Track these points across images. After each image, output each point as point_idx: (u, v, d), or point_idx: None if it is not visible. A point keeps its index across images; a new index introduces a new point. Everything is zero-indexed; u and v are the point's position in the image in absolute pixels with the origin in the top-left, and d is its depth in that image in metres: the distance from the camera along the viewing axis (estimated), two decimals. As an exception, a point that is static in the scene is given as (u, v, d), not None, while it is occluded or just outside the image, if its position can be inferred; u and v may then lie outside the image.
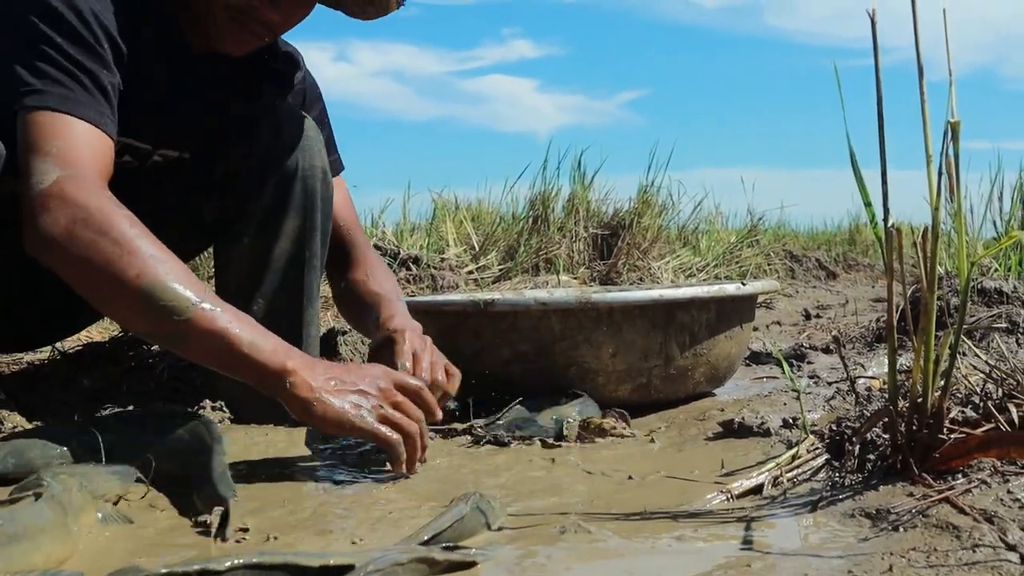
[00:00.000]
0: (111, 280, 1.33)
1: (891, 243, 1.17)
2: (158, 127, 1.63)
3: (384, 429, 1.36)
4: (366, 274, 1.89)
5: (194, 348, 1.36)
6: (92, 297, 1.41)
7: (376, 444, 1.38)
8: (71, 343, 2.37)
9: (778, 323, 3.67)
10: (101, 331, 2.52)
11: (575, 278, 4.19)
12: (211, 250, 1.96)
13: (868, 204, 1.17)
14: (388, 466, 1.41)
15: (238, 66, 1.71)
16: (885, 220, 1.16)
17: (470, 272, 4.13)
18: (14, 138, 1.43)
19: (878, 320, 2.99)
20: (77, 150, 1.41)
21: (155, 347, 2.21)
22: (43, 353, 2.26)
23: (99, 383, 1.91)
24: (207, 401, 1.77)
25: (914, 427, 1.22)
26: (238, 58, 1.68)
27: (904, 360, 1.81)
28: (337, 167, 1.95)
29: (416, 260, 4.05)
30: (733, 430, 1.66)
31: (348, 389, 1.36)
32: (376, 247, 4.08)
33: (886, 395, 1.57)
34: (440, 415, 1.48)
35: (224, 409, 1.75)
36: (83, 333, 2.44)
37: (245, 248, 1.78)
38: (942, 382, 1.20)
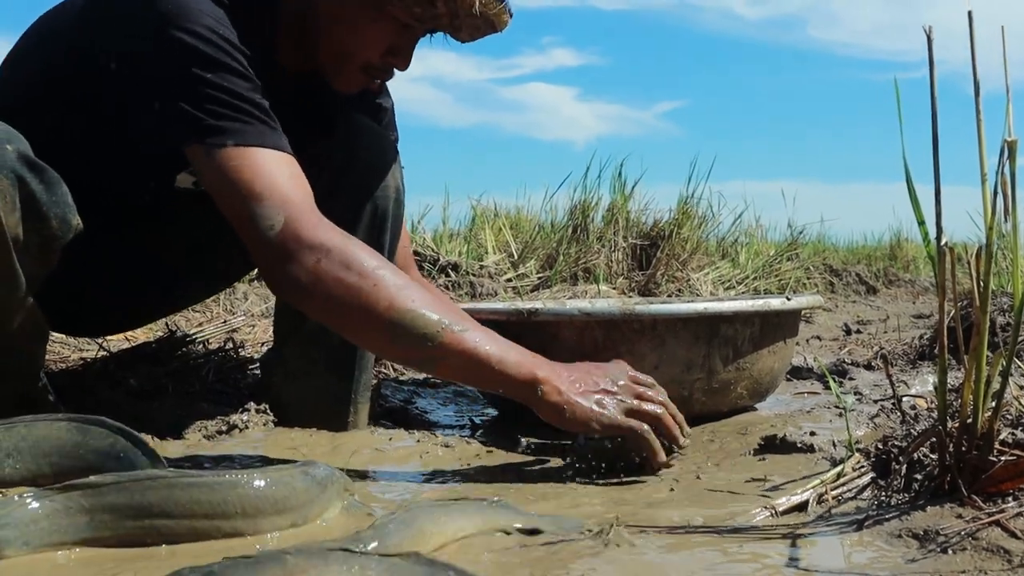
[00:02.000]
0: (363, 314, 1.40)
1: (943, 262, 1.16)
2: None
3: (632, 422, 1.42)
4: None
5: (447, 369, 1.45)
6: (344, 330, 1.48)
7: (626, 438, 1.43)
8: (117, 343, 2.41)
9: (818, 338, 3.64)
10: (147, 332, 2.55)
11: (614, 288, 4.19)
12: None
13: (922, 222, 1.16)
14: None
15: (325, 87, 1.71)
16: (938, 239, 1.15)
17: (509, 280, 4.14)
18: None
19: (921, 337, 2.96)
20: (284, 185, 1.44)
21: (200, 348, 2.24)
22: (90, 351, 2.29)
23: (146, 383, 1.94)
24: (251, 404, 1.78)
25: (963, 448, 1.20)
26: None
27: (950, 379, 1.79)
28: None
29: (455, 267, 4.07)
30: (776, 446, 1.64)
31: (592, 390, 1.43)
32: (416, 253, 4.11)
33: (933, 414, 1.56)
34: (683, 430, 1.49)
35: (268, 412, 1.77)
36: (129, 333, 2.48)
37: None
38: (993, 403, 1.19)
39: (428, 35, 1.65)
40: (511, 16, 1.61)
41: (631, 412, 1.44)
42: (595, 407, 1.41)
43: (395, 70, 1.67)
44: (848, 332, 3.83)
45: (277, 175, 1.44)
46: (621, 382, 1.48)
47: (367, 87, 1.70)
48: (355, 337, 1.50)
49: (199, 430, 1.69)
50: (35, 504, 1.04)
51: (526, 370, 1.41)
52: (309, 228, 1.42)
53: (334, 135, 1.78)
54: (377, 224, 1.78)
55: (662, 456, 1.43)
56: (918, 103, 1.20)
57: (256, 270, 3.44)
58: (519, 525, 1.15)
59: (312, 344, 1.75)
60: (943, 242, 1.16)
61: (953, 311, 1.28)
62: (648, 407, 1.45)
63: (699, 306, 1.86)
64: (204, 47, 1.45)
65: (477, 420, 1.96)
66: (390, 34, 1.60)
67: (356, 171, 1.77)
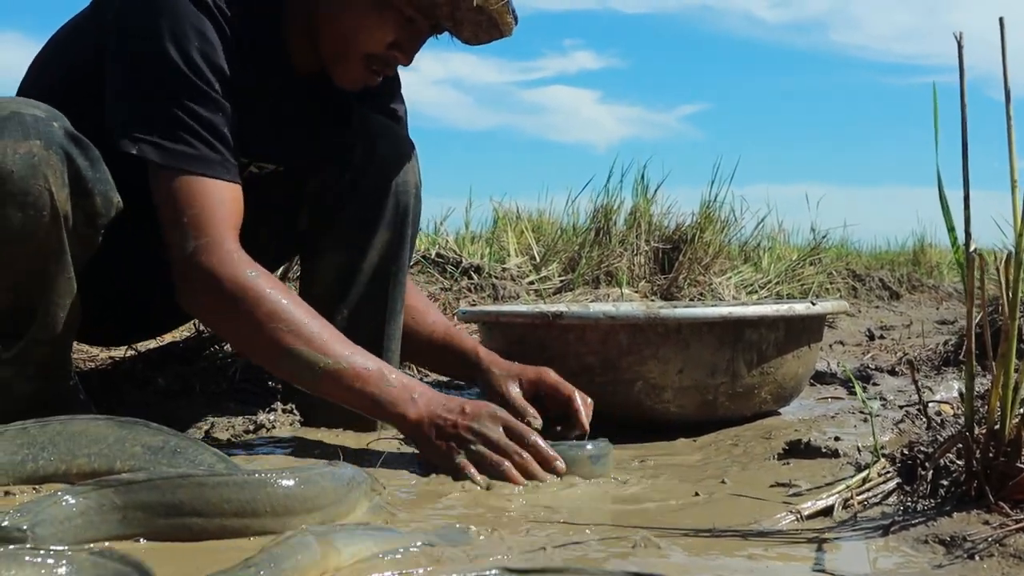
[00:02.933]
0: (247, 344, 1.57)
1: (971, 268, 1.16)
2: (256, 141, 1.67)
3: (462, 464, 1.45)
4: (424, 304, 1.99)
5: (326, 396, 1.55)
6: (238, 350, 1.71)
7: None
8: (145, 343, 2.43)
9: (841, 343, 3.63)
10: (174, 332, 2.57)
11: (636, 292, 4.19)
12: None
13: (951, 229, 1.16)
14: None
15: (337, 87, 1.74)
16: (967, 245, 1.15)
17: (531, 283, 4.14)
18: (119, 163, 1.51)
19: (946, 343, 2.94)
20: (209, 213, 1.52)
21: (228, 347, 2.26)
22: (119, 351, 2.31)
23: (174, 383, 1.96)
24: (278, 404, 1.80)
25: (990, 454, 1.20)
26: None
27: (977, 385, 1.78)
28: None
29: (478, 269, 4.07)
30: (800, 450, 1.64)
31: (448, 433, 1.49)
32: (439, 255, 4.13)
33: (959, 420, 1.55)
34: (557, 465, 1.49)
35: (295, 412, 1.78)
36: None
37: (334, 259, 1.80)
38: (1021, 409, 1.18)
39: (434, 35, 1.66)
40: (516, 20, 1.62)
41: (475, 461, 1.45)
42: (440, 451, 1.48)
43: (398, 65, 1.70)
44: (871, 337, 3.81)
45: (207, 203, 1.51)
46: (483, 427, 1.49)
47: (368, 81, 1.71)
48: (246, 355, 1.64)
49: (226, 429, 1.70)
50: (69, 501, 1.05)
51: (399, 411, 1.51)
52: (215, 257, 1.49)
53: (349, 131, 1.81)
54: (400, 218, 1.80)
55: (479, 483, 1.42)
56: (942, 107, 1.20)
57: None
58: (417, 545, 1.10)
59: None
60: (972, 248, 1.16)
61: (985, 317, 1.28)
62: (491, 457, 1.45)
63: (724, 310, 1.86)
64: (181, 63, 1.51)
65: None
66: (393, 26, 1.62)
67: (375, 168, 1.80)
